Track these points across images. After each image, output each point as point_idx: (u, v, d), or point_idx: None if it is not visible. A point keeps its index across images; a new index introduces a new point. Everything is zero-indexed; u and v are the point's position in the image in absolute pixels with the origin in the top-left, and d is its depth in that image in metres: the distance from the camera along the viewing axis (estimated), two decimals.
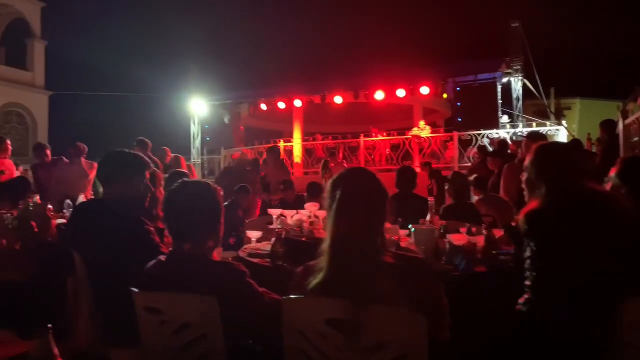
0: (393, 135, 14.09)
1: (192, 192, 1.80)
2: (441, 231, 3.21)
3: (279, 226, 3.22)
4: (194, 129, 16.55)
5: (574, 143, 6.24)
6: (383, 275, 1.52)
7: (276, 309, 1.57)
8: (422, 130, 13.37)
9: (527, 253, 2.05)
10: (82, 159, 6.42)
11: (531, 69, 12.92)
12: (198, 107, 16.17)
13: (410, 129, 14.08)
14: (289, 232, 3.01)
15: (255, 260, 2.73)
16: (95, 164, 6.64)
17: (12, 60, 20.27)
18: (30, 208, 3.69)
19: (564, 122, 13.41)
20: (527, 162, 2.26)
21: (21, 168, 8.89)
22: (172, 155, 7.40)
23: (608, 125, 5.84)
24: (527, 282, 2.06)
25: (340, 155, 14.25)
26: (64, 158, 6.70)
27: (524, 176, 2.28)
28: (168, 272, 1.74)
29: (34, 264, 3.04)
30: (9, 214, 3.46)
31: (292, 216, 3.35)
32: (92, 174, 6.15)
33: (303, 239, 2.77)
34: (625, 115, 6.01)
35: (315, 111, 15.83)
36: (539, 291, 2.02)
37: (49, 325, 1.04)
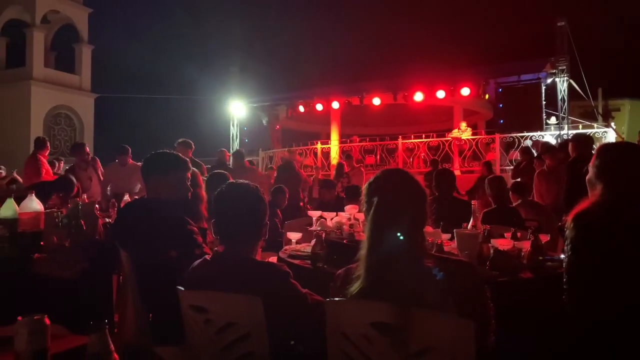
0: (432, 138, 13.90)
1: (240, 193, 1.83)
2: (485, 235, 3.13)
3: (319, 228, 3.22)
4: (233, 130, 16.83)
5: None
6: (428, 279, 1.49)
7: (320, 310, 1.56)
8: (463, 132, 13.12)
9: (569, 255, 1.97)
10: (129, 160, 6.61)
11: (577, 69, 12.46)
12: (237, 109, 16.45)
13: (450, 131, 13.85)
14: (330, 234, 3.01)
15: (296, 261, 2.74)
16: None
17: (61, 65, 21.15)
18: (80, 207, 3.83)
19: (612, 123, 12.89)
20: (590, 163, 2.17)
21: (62, 163, 9.30)
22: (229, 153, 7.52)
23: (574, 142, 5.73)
24: (566, 286, 1.97)
25: (379, 156, 14.22)
26: (97, 159, 6.98)
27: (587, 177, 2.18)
28: (214, 272, 1.77)
29: (83, 261, 3.15)
30: (59, 212, 3.60)
31: (332, 218, 3.34)
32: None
33: (344, 241, 2.76)
34: None
35: (353, 113, 15.81)
36: (575, 297, 1.93)
37: (106, 320, 1.06)
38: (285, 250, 3.07)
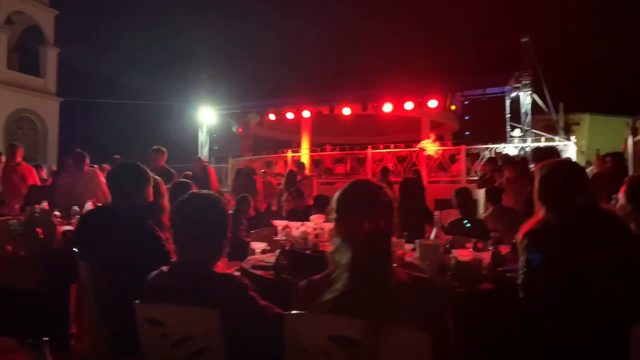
0: (400, 148, 14.07)
1: (201, 204, 1.80)
2: (447, 246, 3.18)
3: (284, 238, 3.21)
4: (202, 137, 16.64)
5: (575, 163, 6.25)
6: (395, 293, 1.50)
7: (279, 323, 1.55)
8: (432, 144, 13.35)
9: (522, 271, 2.02)
10: (86, 167, 6.40)
11: (540, 84, 12.89)
12: (206, 116, 16.28)
13: (417, 141, 14.05)
14: (294, 245, 3.00)
15: (259, 272, 2.71)
16: (98, 169, 6.69)
17: (25, 67, 20.52)
18: (37, 215, 3.70)
19: (572, 137, 13.33)
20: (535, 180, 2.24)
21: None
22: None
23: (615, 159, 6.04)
24: (522, 298, 2.03)
25: (349, 165, 14.30)
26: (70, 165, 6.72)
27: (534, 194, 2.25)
28: (170, 284, 1.73)
29: (39, 271, 3.05)
30: (15, 220, 3.48)
31: (298, 228, 3.34)
32: (98, 180, 6.15)
33: (308, 251, 2.75)
34: (635, 132, 5.97)
35: (324, 122, 15.87)
36: (534, 309, 1.99)
37: (45, 338, 1.03)
38: (249, 260, 3.04)
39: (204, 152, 16.51)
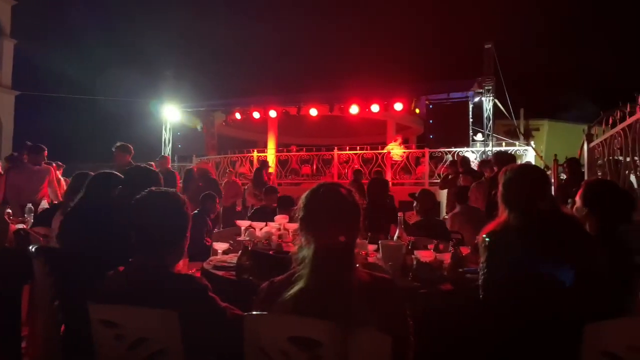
0: (366, 150, 14.18)
1: (159, 202, 1.75)
2: (409, 247, 3.22)
3: (247, 238, 3.18)
4: (166, 135, 16.31)
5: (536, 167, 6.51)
6: (359, 293, 1.51)
7: (238, 325, 1.53)
8: (399, 147, 13.53)
9: (483, 271, 2.07)
10: (43, 162, 6.15)
11: (502, 90, 13.24)
12: (170, 114, 15.95)
13: (383, 144, 14.21)
14: (257, 245, 2.97)
15: (221, 273, 2.67)
16: (54, 167, 6.46)
17: None
18: None
19: (532, 142, 13.76)
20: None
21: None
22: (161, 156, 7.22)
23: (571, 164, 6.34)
24: (482, 298, 2.08)
25: (315, 167, 14.31)
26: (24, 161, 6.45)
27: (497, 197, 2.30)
28: (127, 284, 1.68)
29: None
30: None
31: (261, 228, 3.31)
32: (52, 177, 5.93)
33: (271, 252, 2.73)
34: (590, 139, 6.20)
35: (290, 122, 15.83)
36: (493, 309, 2.03)
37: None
38: (211, 260, 2.99)
39: (167, 151, 16.19)
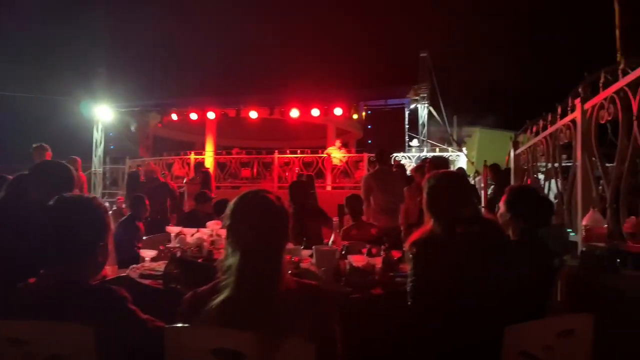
0: (306, 153, 14.22)
1: (71, 210, 1.63)
2: (343, 252, 3.24)
3: (177, 245, 3.07)
4: (97, 135, 15.55)
5: (461, 173, 6.84)
6: (285, 302, 1.48)
7: (160, 338, 1.46)
8: (338, 150, 13.66)
9: (411, 279, 2.11)
10: None
11: (437, 98, 13.74)
12: (102, 113, 15.22)
13: (323, 147, 14.31)
14: (186, 252, 2.87)
15: (147, 281, 2.56)
16: None
17: None
18: None
19: (464, 149, 14.36)
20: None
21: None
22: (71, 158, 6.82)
23: (493, 169, 6.73)
24: (410, 305, 2.11)
25: (255, 170, 14.14)
26: None
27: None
28: (37, 298, 1.56)
29: None
30: None
31: (192, 234, 3.21)
32: None
33: (200, 260, 2.64)
34: (516, 146, 6.52)
35: (230, 124, 15.58)
36: (421, 315, 2.08)
37: None
38: (137, 268, 2.86)
39: (98, 152, 15.45)
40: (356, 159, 13.79)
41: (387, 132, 13.50)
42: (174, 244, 3.12)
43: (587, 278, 2.77)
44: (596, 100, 3.14)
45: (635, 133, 2.63)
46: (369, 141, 14.17)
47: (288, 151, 14.38)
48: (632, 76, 2.65)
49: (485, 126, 23.65)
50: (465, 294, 2.00)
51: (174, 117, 14.54)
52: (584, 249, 2.96)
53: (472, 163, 13.98)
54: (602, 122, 3.09)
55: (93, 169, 15.03)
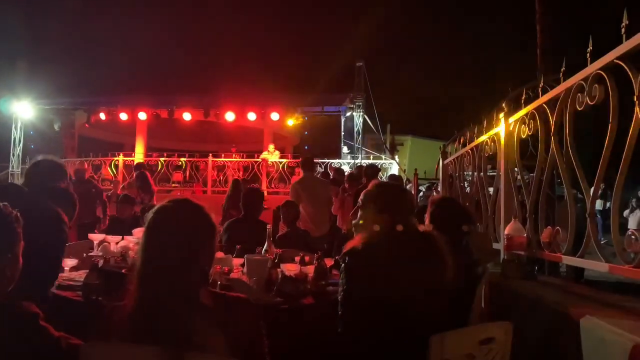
0: (243, 157, 14.03)
1: None
2: (276, 260, 3.20)
3: (100, 253, 2.91)
4: (16, 134, 14.49)
5: (397, 182, 6.99)
6: (199, 318, 1.42)
7: (75, 356, 1.37)
8: (272, 154, 13.57)
9: (342, 286, 2.11)
10: None
11: (371, 106, 14.03)
12: (23, 110, 14.19)
13: (259, 152, 14.19)
14: (108, 262, 2.72)
15: (66, 293, 2.40)
16: None
17: None
18: None
19: (396, 156, 14.76)
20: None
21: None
22: None
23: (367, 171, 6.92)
24: (340, 314, 2.12)
25: (187, 173, 13.75)
26: None
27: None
28: None
29: None
30: None
31: (117, 242, 3.05)
32: None
33: (123, 270, 2.51)
34: (445, 156, 6.77)
35: (163, 126, 15.07)
36: (350, 324, 2.09)
37: None
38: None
39: (17, 151, 14.40)
40: (293, 165, 13.79)
41: (324, 139, 13.64)
42: (96, 252, 2.94)
43: (508, 285, 2.91)
44: (518, 115, 3.32)
45: (552, 148, 2.80)
46: (306, 147, 14.23)
47: (223, 155, 14.13)
48: (550, 95, 2.82)
49: (416, 135, 24.48)
50: (394, 305, 2.03)
51: (102, 116, 13.88)
52: (505, 257, 3.11)
53: (404, 171, 14.39)
54: (524, 136, 3.27)
55: (11, 169, 13.99)
